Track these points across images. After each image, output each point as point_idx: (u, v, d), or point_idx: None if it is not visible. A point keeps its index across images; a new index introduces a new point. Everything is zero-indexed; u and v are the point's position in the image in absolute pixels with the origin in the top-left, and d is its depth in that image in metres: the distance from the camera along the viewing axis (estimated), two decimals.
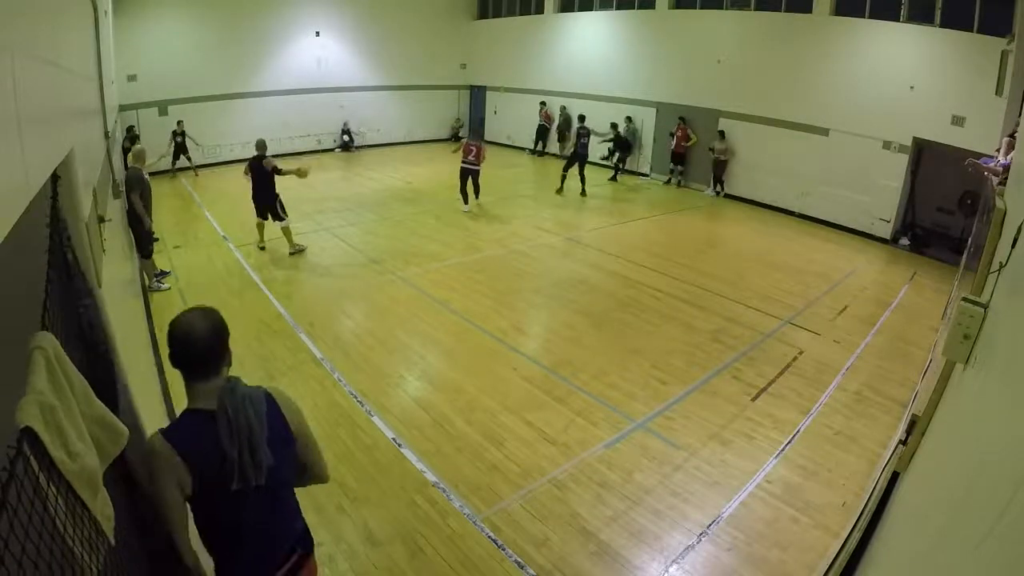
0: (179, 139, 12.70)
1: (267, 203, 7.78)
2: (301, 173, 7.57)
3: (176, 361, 1.62)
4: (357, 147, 16.82)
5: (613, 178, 13.98)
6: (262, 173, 7.62)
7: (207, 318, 1.66)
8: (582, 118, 12.58)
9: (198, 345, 1.61)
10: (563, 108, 16.18)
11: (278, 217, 7.79)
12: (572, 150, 12.48)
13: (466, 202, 10.77)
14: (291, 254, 7.90)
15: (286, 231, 7.94)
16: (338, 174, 13.88)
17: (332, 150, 16.62)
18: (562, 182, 12.41)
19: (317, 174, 13.49)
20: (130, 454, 1.69)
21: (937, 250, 9.66)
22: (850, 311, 7.05)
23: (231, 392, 1.64)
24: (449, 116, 19.30)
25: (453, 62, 18.78)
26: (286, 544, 1.85)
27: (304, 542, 1.93)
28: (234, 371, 1.73)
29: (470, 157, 10.52)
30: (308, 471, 1.94)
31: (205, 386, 1.64)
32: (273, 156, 8.03)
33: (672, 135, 13.27)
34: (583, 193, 12.21)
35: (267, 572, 1.80)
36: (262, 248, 8.06)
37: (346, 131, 16.69)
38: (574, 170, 12.26)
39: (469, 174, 10.69)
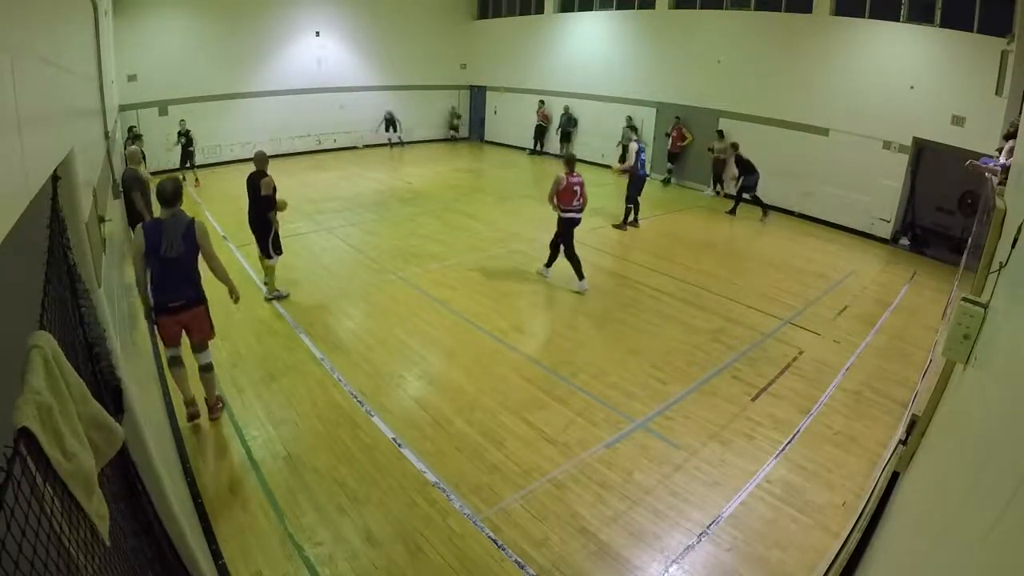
0: (183, 141, 12.07)
1: (259, 231, 6.30)
2: (282, 205, 6.34)
3: (157, 198, 3.96)
4: (401, 142, 17.07)
5: (732, 211, 11.33)
6: (256, 193, 6.15)
7: (171, 185, 3.93)
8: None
9: (164, 193, 3.91)
10: (566, 108, 16.13)
11: (266, 252, 6.33)
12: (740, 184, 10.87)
13: (549, 264, 7.40)
14: (267, 299, 6.49)
15: (270, 270, 6.47)
16: (338, 174, 13.87)
17: (381, 145, 17.14)
18: (735, 206, 11.19)
19: (317, 174, 13.55)
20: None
21: (937, 250, 9.65)
22: (850, 311, 7.05)
23: (173, 215, 3.91)
24: (449, 116, 19.29)
25: (453, 62, 18.78)
26: (178, 294, 3.96)
27: (189, 298, 4.01)
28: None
29: (577, 202, 6.80)
30: (209, 266, 4.11)
31: (164, 210, 3.93)
32: (271, 156, 6.79)
33: (668, 135, 13.26)
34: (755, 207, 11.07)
35: (166, 301, 3.94)
36: (267, 284, 6.71)
37: (390, 120, 16.71)
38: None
39: (574, 228, 6.97)
